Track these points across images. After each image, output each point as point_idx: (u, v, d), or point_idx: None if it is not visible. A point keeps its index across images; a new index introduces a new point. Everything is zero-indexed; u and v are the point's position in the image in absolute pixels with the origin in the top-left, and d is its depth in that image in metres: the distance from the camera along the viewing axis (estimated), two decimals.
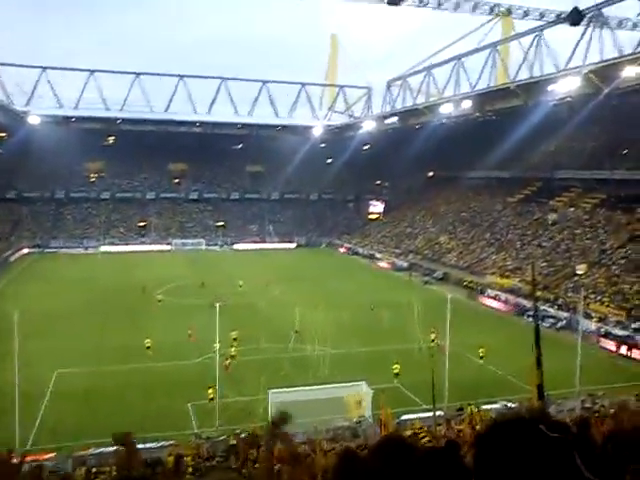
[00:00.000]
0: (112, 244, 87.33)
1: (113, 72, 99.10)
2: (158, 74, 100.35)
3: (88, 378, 31.94)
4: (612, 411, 21.22)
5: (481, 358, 36.43)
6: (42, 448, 23.64)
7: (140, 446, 23.27)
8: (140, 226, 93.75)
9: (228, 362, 33.21)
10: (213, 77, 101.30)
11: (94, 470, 21.12)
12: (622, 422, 12.32)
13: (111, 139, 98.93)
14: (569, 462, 1.26)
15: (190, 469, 20.32)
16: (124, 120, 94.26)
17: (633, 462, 1.73)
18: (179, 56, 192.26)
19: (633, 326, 40.38)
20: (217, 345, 28.66)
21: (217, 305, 28.51)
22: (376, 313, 44.87)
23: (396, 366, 33.03)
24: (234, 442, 23.56)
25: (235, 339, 37.38)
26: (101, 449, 22.91)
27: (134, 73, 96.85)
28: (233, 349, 36.09)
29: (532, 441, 1.28)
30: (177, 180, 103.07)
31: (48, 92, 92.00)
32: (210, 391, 28.43)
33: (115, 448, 17.82)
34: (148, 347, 37.30)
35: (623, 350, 38.36)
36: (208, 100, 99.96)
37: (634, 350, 37.92)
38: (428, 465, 1.47)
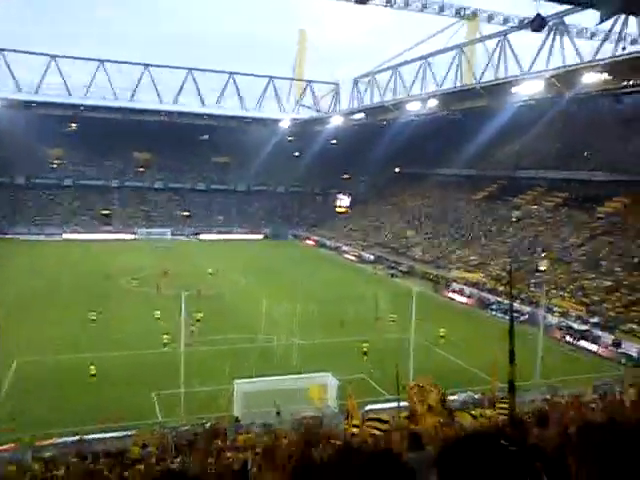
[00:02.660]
0: (75, 232, 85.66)
1: (76, 58, 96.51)
2: (123, 62, 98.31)
3: (49, 367, 31.26)
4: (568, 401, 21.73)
5: (442, 337, 37.89)
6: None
7: (104, 435, 22.99)
8: (104, 214, 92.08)
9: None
10: (180, 67, 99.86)
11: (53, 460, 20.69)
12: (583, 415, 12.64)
13: (74, 126, 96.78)
14: (530, 472, 1.30)
15: (154, 458, 20.09)
16: (87, 107, 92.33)
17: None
18: (146, 47, 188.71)
19: (592, 321, 41.50)
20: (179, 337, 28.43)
21: (183, 294, 28.21)
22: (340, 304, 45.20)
23: (365, 345, 34.27)
24: (199, 431, 23.41)
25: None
26: (62, 439, 22.52)
27: (98, 60, 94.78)
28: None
29: (494, 455, 1.31)
30: (142, 169, 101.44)
31: (7, 76, 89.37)
32: (92, 367, 29.87)
33: (78, 438, 17.45)
34: (93, 320, 38.84)
35: (582, 343, 39.42)
36: (174, 90, 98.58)
37: (592, 344, 39.03)
38: (373, 469, 1.52)
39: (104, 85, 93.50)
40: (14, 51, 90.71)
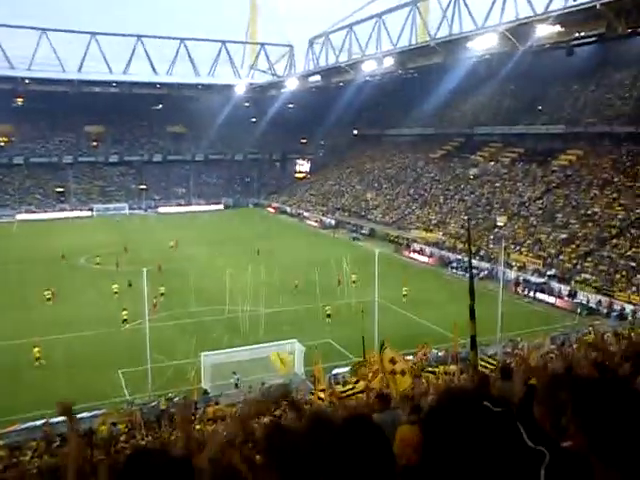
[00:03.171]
0: (29, 212, 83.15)
1: (15, 27, 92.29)
2: (68, 31, 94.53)
3: (10, 352, 30.62)
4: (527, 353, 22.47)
5: (404, 296, 38.67)
6: None
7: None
8: (58, 192, 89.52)
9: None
10: (129, 35, 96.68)
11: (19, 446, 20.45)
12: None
13: (20, 100, 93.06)
14: (513, 433, 1.33)
15: (124, 436, 20.08)
16: (33, 80, 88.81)
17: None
18: (91, 11, 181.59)
19: (548, 273, 42.65)
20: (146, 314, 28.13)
21: (144, 270, 27.84)
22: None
23: (328, 307, 35.13)
24: (164, 407, 23.44)
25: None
26: (28, 424, 22.22)
27: (40, 29, 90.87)
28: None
29: (477, 417, 1.34)
30: (95, 143, 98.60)
31: None
32: (36, 350, 29.03)
33: (44, 421, 17.18)
34: (49, 299, 38.37)
35: (540, 296, 40.59)
36: (124, 59, 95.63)
37: (549, 296, 40.22)
38: (345, 437, 1.53)
39: (49, 56, 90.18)
40: None
